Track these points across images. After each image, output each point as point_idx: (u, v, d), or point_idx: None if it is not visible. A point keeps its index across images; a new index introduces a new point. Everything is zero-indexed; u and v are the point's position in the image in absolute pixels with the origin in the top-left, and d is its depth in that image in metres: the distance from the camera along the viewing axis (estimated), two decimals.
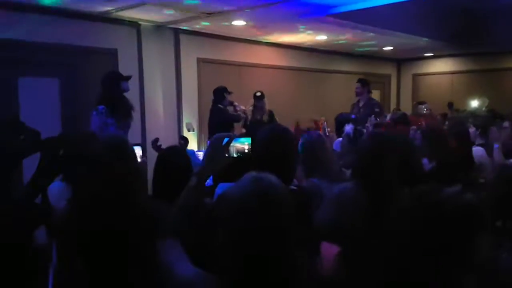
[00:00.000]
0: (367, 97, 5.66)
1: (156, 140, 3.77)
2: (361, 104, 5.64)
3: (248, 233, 1.09)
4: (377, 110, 5.26)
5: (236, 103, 5.48)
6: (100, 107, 3.66)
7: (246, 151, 1.56)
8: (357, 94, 5.69)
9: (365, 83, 5.72)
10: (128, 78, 4.03)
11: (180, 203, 1.38)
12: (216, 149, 1.43)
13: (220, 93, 5.38)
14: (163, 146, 3.44)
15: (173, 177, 1.85)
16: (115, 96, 3.77)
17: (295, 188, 1.89)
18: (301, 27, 6.13)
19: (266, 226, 1.08)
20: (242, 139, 1.59)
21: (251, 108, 5.62)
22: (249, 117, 5.56)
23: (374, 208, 1.88)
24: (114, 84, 3.82)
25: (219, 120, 5.22)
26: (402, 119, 3.81)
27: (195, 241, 1.36)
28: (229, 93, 5.43)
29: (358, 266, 1.88)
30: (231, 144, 1.47)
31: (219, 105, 5.36)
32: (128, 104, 3.87)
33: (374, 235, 1.89)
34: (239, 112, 5.44)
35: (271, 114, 5.66)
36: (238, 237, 1.10)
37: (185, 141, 3.63)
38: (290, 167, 1.80)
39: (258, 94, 5.66)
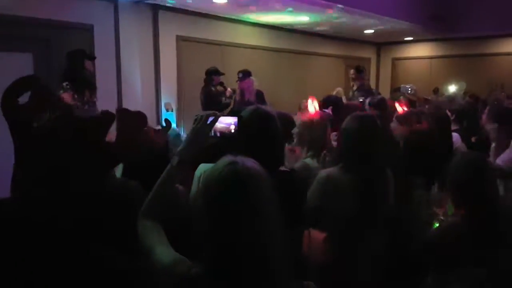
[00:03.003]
0: (360, 83, 6.20)
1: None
2: (354, 88, 6.20)
3: (221, 217, 1.07)
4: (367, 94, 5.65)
5: (225, 86, 5.63)
6: (65, 83, 3.86)
7: (232, 131, 1.52)
8: (353, 79, 6.26)
9: (359, 70, 6.28)
10: (91, 57, 4.28)
11: (159, 183, 1.33)
12: (200, 128, 1.39)
13: (209, 75, 5.58)
14: None
15: (146, 163, 1.73)
16: (75, 73, 3.97)
17: (286, 170, 1.84)
18: (286, 8, 6.04)
19: (239, 210, 1.05)
20: (228, 119, 1.54)
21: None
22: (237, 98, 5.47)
23: (362, 190, 1.89)
24: (77, 62, 4.06)
25: (206, 103, 5.40)
26: (379, 104, 3.82)
27: (175, 224, 1.33)
28: (220, 74, 5.64)
29: (346, 250, 1.90)
30: (216, 124, 1.43)
31: (212, 88, 5.53)
32: (89, 82, 4.08)
33: (364, 219, 1.91)
34: (227, 100, 5.51)
35: (259, 95, 5.48)
36: (211, 221, 1.08)
37: (167, 124, 3.54)
38: (275, 149, 1.75)
39: (240, 75, 5.54)
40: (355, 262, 1.93)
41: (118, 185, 1.50)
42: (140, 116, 1.28)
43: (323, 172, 2.01)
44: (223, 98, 5.58)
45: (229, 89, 5.65)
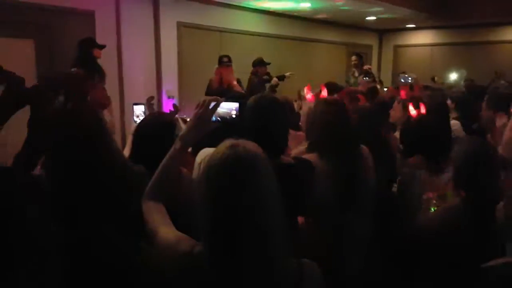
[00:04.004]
0: (361, 68, 6.51)
1: (151, 98, 3.76)
2: (356, 74, 6.50)
3: (221, 199, 1.09)
4: (367, 77, 5.97)
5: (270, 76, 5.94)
6: (72, 69, 4.01)
7: (234, 116, 1.54)
8: (355, 66, 6.62)
9: (361, 56, 6.80)
10: (101, 46, 4.43)
11: (162, 166, 1.36)
12: (202, 113, 1.41)
13: (254, 66, 5.96)
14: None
15: (152, 147, 1.79)
16: (86, 60, 4.20)
17: (289, 160, 1.86)
18: None
19: (239, 192, 1.08)
20: (230, 104, 1.56)
21: None
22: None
23: (337, 175, 1.86)
24: (87, 49, 4.29)
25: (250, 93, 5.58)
26: (369, 93, 3.86)
27: (178, 205, 1.37)
28: (265, 64, 5.99)
29: (329, 235, 1.91)
30: (218, 109, 1.45)
31: (255, 79, 5.83)
32: (96, 69, 4.26)
33: (343, 204, 1.91)
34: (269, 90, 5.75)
35: (238, 81, 5.46)
36: (212, 203, 1.11)
37: (175, 109, 3.60)
38: (277, 136, 1.76)
39: (225, 59, 5.34)
40: (339, 247, 1.92)
41: (123, 169, 1.53)
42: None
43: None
44: (267, 85, 5.84)
45: (274, 78, 5.91)
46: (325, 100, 2.07)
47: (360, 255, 1.98)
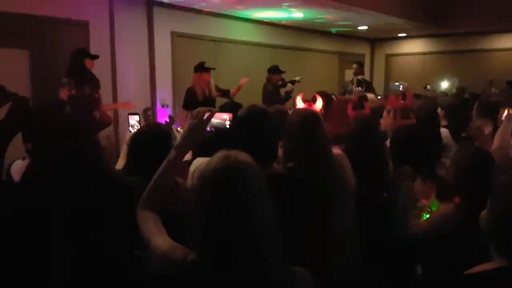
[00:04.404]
0: (362, 77, 6.78)
1: (147, 109, 3.82)
2: (355, 82, 6.68)
3: (214, 209, 1.12)
4: (360, 87, 6.22)
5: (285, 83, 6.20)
6: (64, 79, 4.08)
7: (227, 126, 1.56)
8: (355, 74, 6.84)
9: (361, 65, 7.07)
10: (94, 56, 4.41)
11: (158, 176, 1.39)
12: (196, 124, 1.44)
13: (268, 74, 6.23)
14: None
15: (147, 157, 1.81)
16: (77, 70, 4.19)
17: (280, 169, 1.88)
18: (283, 4, 6.08)
19: (231, 202, 1.11)
20: (223, 115, 1.59)
21: None
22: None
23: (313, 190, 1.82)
24: (79, 59, 4.26)
25: (264, 100, 5.92)
26: (358, 103, 3.92)
27: (172, 215, 1.39)
28: (280, 73, 6.20)
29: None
30: (212, 119, 1.48)
31: (269, 86, 6.07)
32: (88, 80, 4.25)
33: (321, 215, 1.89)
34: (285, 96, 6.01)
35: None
36: (205, 212, 1.13)
37: (170, 120, 3.65)
38: (268, 144, 1.79)
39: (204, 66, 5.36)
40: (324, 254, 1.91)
41: (118, 180, 1.56)
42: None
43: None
44: (282, 93, 6.05)
45: (289, 84, 6.08)
46: (297, 110, 2.11)
47: (346, 259, 1.97)
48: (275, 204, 1.16)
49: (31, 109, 1.56)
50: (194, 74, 5.25)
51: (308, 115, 2.03)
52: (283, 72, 6.28)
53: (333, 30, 8.57)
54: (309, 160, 1.86)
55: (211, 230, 1.12)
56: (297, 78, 6.41)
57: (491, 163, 1.90)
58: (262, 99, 6.04)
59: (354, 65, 7.13)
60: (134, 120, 2.73)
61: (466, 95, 6.63)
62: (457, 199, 1.88)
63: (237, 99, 5.25)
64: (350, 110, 3.05)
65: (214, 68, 5.38)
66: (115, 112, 5.52)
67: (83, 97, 4.04)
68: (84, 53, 4.39)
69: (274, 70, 6.23)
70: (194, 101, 4.98)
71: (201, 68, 5.21)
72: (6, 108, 1.55)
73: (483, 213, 1.39)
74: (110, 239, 1.22)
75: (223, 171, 1.13)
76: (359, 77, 6.71)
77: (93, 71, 4.48)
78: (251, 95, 5.99)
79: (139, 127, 2.69)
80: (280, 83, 6.23)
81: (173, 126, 4.55)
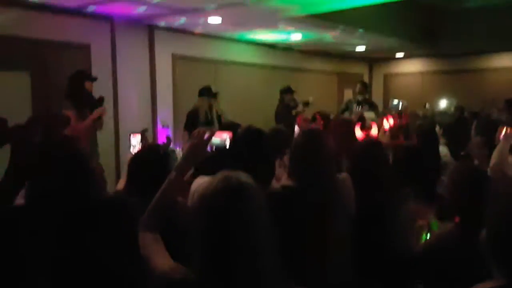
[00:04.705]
0: (365, 96, 6.88)
1: (145, 130, 3.85)
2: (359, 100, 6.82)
3: (215, 229, 1.13)
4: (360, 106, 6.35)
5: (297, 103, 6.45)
6: (64, 101, 4.15)
7: (227, 146, 1.59)
8: (360, 93, 6.94)
9: (366, 85, 7.15)
10: (93, 79, 4.46)
11: (159, 196, 1.40)
12: (196, 144, 1.46)
13: (281, 94, 6.56)
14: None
15: (148, 177, 1.84)
16: (76, 93, 4.23)
17: (278, 188, 1.90)
18: (280, 26, 6.17)
19: (231, 222, 1.12)
20: (223, 134, 1.61)
21: None
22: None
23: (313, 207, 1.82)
24: (77, 82, 4.29)
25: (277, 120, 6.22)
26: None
27: (173, 235, 1.40)
28: (291, 92, 6.54)
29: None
30: (212, 139, 1.50)
31: (281, 106, 6.39)
32: (88, 101, 4.32)
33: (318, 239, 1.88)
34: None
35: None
36: (206, 233, 1.14)
37: (168, 141, 3.69)
38: (267, 164, 1.82)
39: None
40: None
41: (117, 201, 1.57)
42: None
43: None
44: (293, 111, 6.25)
45: (300, 105, 6.37)
46: (303, 130, 2.13)
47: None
48: (273, 222, 1.17)
49: (8, 130, 1.61)
50: (199, 97, 5.45)
51: (311, 133, 2.04)
52: (294, 91, 6.56)
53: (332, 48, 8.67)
54: (309, 179, 1.86)
55: (211, 250, 1.13)
56: (310, 99, 6.61)
57: (486, 181, 1.91)
58: (274, 119, 6.33)
59: (358, 85, 7.15)
60: (135, 140, 2.74)
61: (465, 114, 6.68)
62: (457, 219, 1.89)
63: (237, 119, 5.30)
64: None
65: (218, 92, 5.57)
66: (115, 133, 5.55)
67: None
68: (83, 76, 4.44)
69: (285, 91, 6.54)
70: (195, 123, 5.06)
71: (208, 93, 5.43)
72: None
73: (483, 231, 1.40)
74: (109, 259, 1.22)
75: (224, 191, 1.15)
76: (361, 97, 6.74)
77: (95, 93, 4.53)
78: (250, 115, 6.05)
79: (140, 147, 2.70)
80: (292, 103, 6.44)
81: (176, 148, 4.59)
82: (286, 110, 6.29)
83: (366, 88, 7.19)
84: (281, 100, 6.56)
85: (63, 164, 1.35)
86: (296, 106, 6.40)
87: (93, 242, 1.22)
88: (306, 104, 6.54)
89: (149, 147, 2.47)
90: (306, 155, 1.90)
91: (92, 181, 1.40)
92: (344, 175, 2.06)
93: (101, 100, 4.39)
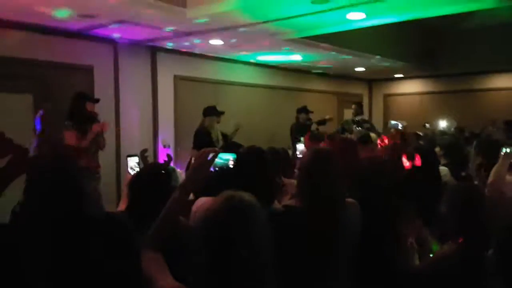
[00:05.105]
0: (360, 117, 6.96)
1: (145, 150, 3.85)
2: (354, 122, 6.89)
3: (217, 248, 1.15)
4: (359, 127, 6.37)
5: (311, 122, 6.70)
6: (66, 122, 4.24)
7: (231, 166, 1.60)
8: (355, 114, 7.07)
9: (360, 105, 7.30)
10: (94, 100, 4.56)
11: (162, 216, 1.41)
12: (201, 164, 1.47)
13: (297, 113, 6.83)
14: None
15: (150, 195, 1.86)
16: (78, 114, 4.29)
17: (280, 208, 1.90)
18: (283, 48, 6.26)
19: (234, 241, 1.13)
20: (226, 155, 1.63)
21: None
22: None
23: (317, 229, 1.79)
24: (79, 103, 4.36)
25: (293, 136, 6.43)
26: (364, 139, 3.98)
27: (175, 255, 1.40)
28: (308, 112, 6.81)
29: None
30: (215, 159, 1.51)
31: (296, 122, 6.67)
32: (90, 121, 4.35)
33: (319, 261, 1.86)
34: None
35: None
36: (208, 252, 1.16)
37: (169, 159, 3.71)
38: (266, 186, 1.81)
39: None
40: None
41: (117, 221, 1.57)
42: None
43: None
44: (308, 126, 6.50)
45: (314, 123, 6.58)
46: (313, 149, 2.09)
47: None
48: (275, 242, 1.19)
49: (30, 160, 1.61)
50: (206, 117, 5.58)
51: (320, 152, 1.99)
52: (311, 112, 6.78)
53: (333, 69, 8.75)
54: (314, 200, 1.84)
55: (213, 269, 1.14)
56: (327, 117, 6.83)
57: (481, 200, 1.92)
58: (290, 136, 6.61)
59: (353, 106, 7.30)
60: (133, 161, 2.75)
61: (466, 134, 6.69)
62: (460, 239, 1.89)
63: (238, 139, 5.34)
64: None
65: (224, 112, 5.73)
66: (117, 154, 5.57)
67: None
68: (85, 97, 4.49)
69: (301, 110, 6.80)
70: (208, 141, 5.15)
71: (215, 112, 5.60)
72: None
73: (490, 254, 1.40)
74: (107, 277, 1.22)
75: (227, 211, 1.17)
76: (359, 118, 6.80)
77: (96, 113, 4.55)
78: (251, 135, 6.08)
79: (138, 168, 2.71)
80: (308, 122, 6.65)
81: (177, 168, 4.62)
82: (300, 128, 6.41)
83: (361, 108, 7.34)
84: (297, 119, 6.79)
85: (53, 179, 1.35)
86: (310, 125, 6.54)
87: (91, 262, 1.22)
88: (323, 122, 6.72)
89: (150, 165, 2.48)
90: (312, 175, 1.86)
91: (86, 199, 1.39)
92: (352, 200, 1.99)
93: (95, 116, 4.43)
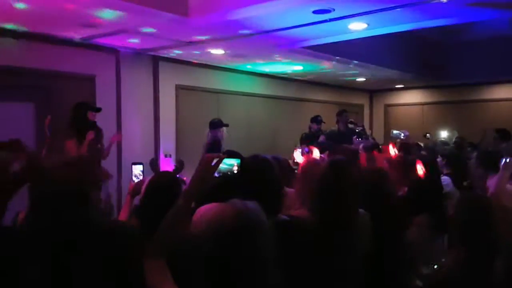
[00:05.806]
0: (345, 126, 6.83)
1: (154, 160, 3.87)
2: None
3: (224, 257, 1.15)
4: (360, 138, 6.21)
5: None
6: (67, 131, 4.28)
7: (235, 172, 1.59)
8: (354, 125, 6.99)
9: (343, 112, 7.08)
10: (96, 109, 4.60)
11: (166, 222, 1.40)
12: (205, 170, 1.46)
13: (311, 122, 6.90)
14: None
15: (164, 204, 1.84)
16: (79, 123, 4.36)
17: (285, 217, 1.88)
18: (277, 56, 6.28)
19: (239, 250, 1.14)
20: (231, 161, 1.62)
21: None
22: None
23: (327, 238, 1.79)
24: (81, 112, 4.43)
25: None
26: (374, 147, 3.98)
27: (179, 262, 1.39)
28: (320, 122, 6.95)
29: None
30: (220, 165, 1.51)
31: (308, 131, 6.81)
32: (90, 128, 4.38)
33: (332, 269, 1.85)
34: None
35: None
36: (212, 259, 1.16)
37: (180, 165, 3.69)
38: (270, 196, 1.78)
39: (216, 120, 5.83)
40: None
41: (121, 229, 1.56)
42: None
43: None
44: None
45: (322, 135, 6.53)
46: (330, 160, 2.06)
47: None
48: (279, 251, 1.18)
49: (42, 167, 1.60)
50: (213, 129, 5.65)
51: (336, 164, 1.98)
52: (324, 122, 6.84)
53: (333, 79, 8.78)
54: (323, 212, 1.83)
55: (217, 277, 1.14)
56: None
57: (489, 210, 1.92)
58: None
59: (345, 114, 7.09)
60: (138, 169, 2.74)
61: (468, 149, 6.67)
62: (466, 248, 1.88)
63: (239, 149, 5.32)
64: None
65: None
66: (118, 163, 5.57)
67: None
68: (86, 106, 4.53)
69: (313, 120, 6.92)
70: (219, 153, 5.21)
71: (222, 124, 5.69)
72: None
73: (498, 265, 1.39)
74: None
75: (232, 220, 1.17)
76: (360, 128, 6.76)
77: (99, 123, 4.57)
78: (252, 144, 6.09)
79: (142, 176, 2.70)
80: (320, 132, 6.70)
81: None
82: (310, 138, 6.44)
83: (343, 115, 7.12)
84: (309, 128, 6.93)
85: (63, 189, 1.35)
86: (319, 135, 6.55)
87: (93, 270, 1.22)
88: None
89: (165, 172, 2.49)
90: (324, 186, 1.85)
91: (92, 207, 1.39)
92: (364, 212, 1.97)
93: (93, 124, 4.49)
